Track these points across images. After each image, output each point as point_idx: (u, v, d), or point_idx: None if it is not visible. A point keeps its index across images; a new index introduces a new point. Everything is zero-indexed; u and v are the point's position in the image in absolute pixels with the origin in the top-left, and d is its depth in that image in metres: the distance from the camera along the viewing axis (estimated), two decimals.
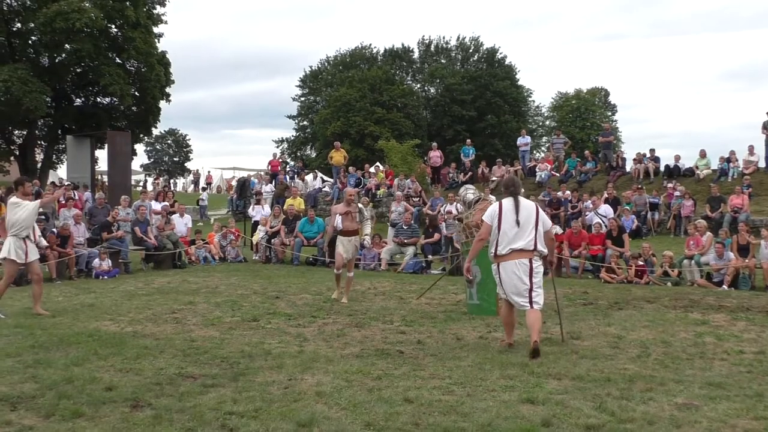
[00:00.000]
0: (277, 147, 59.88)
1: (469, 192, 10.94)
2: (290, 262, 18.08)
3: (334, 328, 8.79)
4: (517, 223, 7.28)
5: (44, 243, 13.63)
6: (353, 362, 6.77)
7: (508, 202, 7.42)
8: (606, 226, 16.65)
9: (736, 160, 23.97)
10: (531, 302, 7.25)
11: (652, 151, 26.07)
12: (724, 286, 13.60)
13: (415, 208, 21.52)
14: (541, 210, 7.58)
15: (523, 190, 8.29)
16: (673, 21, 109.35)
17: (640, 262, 14.64)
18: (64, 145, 34.39)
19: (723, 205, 19.68)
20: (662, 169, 25.29)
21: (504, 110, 53.14)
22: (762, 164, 24.07)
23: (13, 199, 9.92)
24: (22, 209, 9.77)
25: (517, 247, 7.23)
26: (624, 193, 22.21)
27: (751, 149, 24.23)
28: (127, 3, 31.88)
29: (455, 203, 17.13)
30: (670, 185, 22.55)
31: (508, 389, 5.76)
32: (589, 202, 20.01)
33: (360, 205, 12.04)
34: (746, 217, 18.26)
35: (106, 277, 14.99)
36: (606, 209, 19.00)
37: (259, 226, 19.51)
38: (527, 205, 7.47)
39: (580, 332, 8.40)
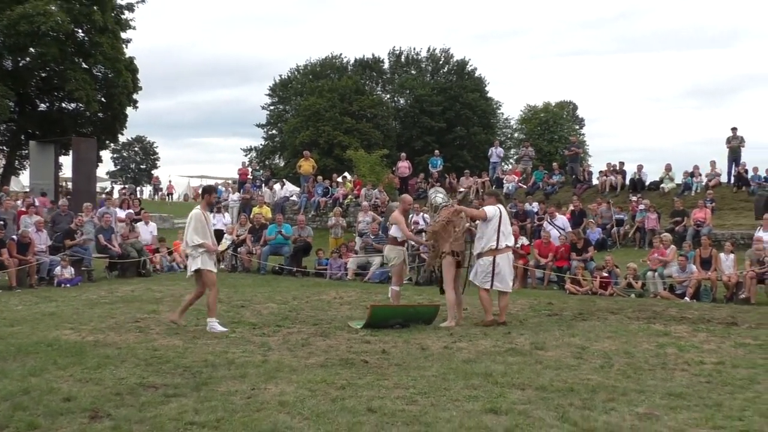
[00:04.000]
0: (246, 155, 59.66)
1: (439, 195, 10.98)
2: (256, 271, 17.99)
3: (299, 337, 8.75)
4: (508, 222, 10.05)
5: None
6: (317, 372, 6.74)
7: (502, 207, 10.00)
8: (566, 237, 16.87)
9: (700, 175, 24.36)
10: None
11: (621, 164, 26.39)
12: (686, 298, 13.78)
13: (382, 218, 21.57)
14: None
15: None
16: (637, 38, 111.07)
17: (605, 274, 14.80)
18: (27, 151, 33.77)
19: (686, 218, 19.97)
20: (627, 182, 25.63)
21: (473, 122, 53.45)
22: (724, 179, 24.50)
23: (196, 211, 9.59)
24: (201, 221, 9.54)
25: (510, 244, 10.02)
26: (590, 206, 22.45)
27: (713, 164, 24.67)
28: (95, 7, 31.48)
29: (422, 213, 17.17)
30: (634, 198, 22.84)
31: (471, 399, 5.78)
32: (546, 213, 20.18)
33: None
34: (709, 230, 18.53)
35: (68, 285, 14.77)
36: (563, 221, 18.95)
37: (225, 235, 19.38)
38: (506, 210, 10.23)
39: (544, 343, 8.45)
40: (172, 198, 45.37)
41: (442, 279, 10.29)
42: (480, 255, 9.87)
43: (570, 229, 18.42)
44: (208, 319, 9.32)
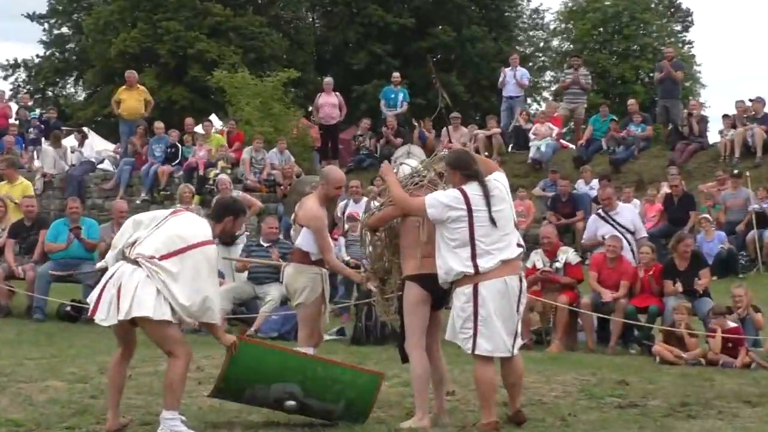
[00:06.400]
0: (5, 78, 59.08)
1: (410, 161, 10.73)
2: (26, 313, 17.89)
3: None
4: (492, 221, 9.27)
5: None
6: None
7: (473, 190, 9.29)
8: (630, 243, 17.04)
9: None
10: (514, 343, 9.49)
11: (759, 101, 26.51)
12: None
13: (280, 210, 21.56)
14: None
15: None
16: None
17: (732, 324, 14.90)
18: None
19: None
20: None
21: (471, 17, 53.69)
22: None
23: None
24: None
25: (507, 257, 9.33)
26: (702, 186, 22.62)
27: None
28: None
29: (367, 199, 17.17)
30: None
31: None
32: (584, 184, 20.38)
33: None
34: None
35: None
36: (629, 214, 18.79)
37: None
38: (499, 189, 9.55)
39: None
40: None
41: (403, 332, 10.18)
42: (453, 283, 9.54)
43: (642, 232, 18.39)
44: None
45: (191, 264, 9.03)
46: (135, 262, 9.00)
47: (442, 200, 9.33)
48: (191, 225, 9.53)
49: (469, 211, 9.25)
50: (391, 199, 9.78)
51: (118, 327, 9.17)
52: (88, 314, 9.53)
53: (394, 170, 10.60)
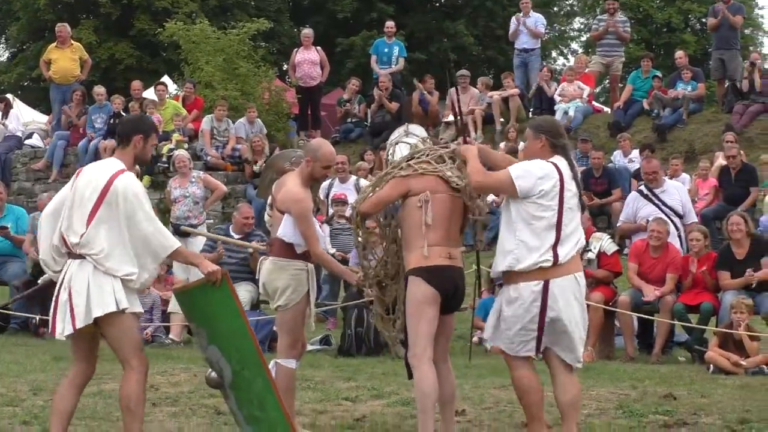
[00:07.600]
0: None
1: (409, 140, 10.61)
2: None
3: None
4: (581, 204, 9.77)
5: None
6: None
7: (563, 166, 9.49)
8: (678, 229, 17.06)
9: None
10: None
11: None
12: None
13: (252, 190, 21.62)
14: None
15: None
16: None
17: None
18: None
19: None
20: None
21: None
22: None
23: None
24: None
25: (577, 250, 9.58)
26: (766, 156, 22.70)
27: None
28: None
29: (356, 178, 17.28)
30: None
31: None
32: (622, 156, 20.36)
33: None
34: None
35: None
36: (673, 191, 18.38)
37: None
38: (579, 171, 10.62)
39: None
40: None
41: (406, 339, 10.14)
42: (509, 280, 9.41)
43: (692, 215, 18.33)
44: None
45: (111, 216, 9.05)
46: (79, 255, 8.96)
47: (531, 169, 9.28)
48: (94, 170, 9.74)
49: (562, 187, 9.28)
50: (470, 180, 9.59)
51: (78, 337, 9.14)
52: (50, 332, 9.44)
53: (390, 152, 10.68)
